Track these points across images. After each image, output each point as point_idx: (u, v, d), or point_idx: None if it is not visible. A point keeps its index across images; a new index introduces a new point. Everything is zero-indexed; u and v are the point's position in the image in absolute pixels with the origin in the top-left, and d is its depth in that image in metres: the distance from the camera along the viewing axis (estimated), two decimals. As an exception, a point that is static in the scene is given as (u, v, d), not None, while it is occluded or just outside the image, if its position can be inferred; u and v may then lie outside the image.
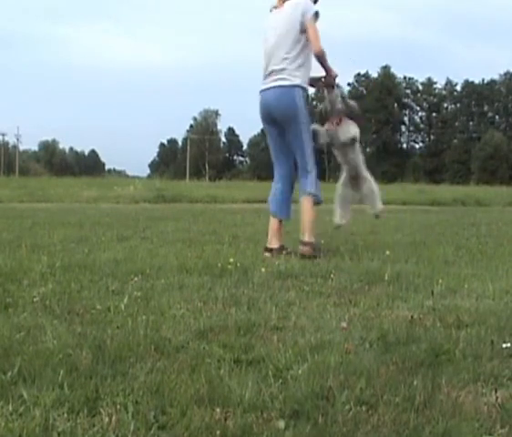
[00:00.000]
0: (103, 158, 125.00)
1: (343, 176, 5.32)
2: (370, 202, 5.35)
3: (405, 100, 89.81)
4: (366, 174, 5.29)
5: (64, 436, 1.59)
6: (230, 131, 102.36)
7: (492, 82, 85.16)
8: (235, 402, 1.78)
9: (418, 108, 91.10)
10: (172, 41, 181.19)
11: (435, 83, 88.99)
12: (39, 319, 2.68)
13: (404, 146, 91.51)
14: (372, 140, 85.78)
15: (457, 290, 3.54)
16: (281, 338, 2.48)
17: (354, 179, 5.26)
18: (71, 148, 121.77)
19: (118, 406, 1.73)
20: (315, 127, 5.10)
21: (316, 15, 4.84)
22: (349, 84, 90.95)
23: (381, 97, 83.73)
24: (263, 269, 4.02)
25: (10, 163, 79.13)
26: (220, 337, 2.47)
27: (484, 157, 74.44)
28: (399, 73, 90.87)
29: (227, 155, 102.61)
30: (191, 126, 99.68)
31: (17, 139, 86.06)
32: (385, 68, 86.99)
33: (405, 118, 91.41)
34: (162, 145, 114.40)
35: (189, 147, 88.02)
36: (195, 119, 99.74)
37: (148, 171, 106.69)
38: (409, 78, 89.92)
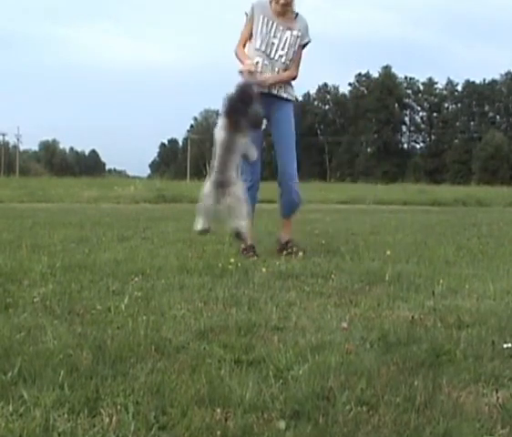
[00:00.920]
0: (103, 158, 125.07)
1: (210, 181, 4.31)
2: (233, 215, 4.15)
3: (406, 100, 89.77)
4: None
5: (64, 436, 1.59)
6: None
7: (493, 82, 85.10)
8: (236, 403, 1.78)
9: (419, 108, 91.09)
10: (173, 41, 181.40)
11: (436, 83, 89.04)
12: (39, 319, 2.67)
13: (405, 146, 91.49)
14: (372, 140, 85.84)
15: (458, 291, 3.54)
16: (281, 338, 2.48)
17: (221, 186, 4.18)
18: (71, 148, 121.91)
19: (119, 406, 1.73)
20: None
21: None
22: (350, 84, 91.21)
23: (382, 97, 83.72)
24: (264, 270, 4.02)
25: (10, 163, 79.10)
26: (220, 337, 2.47)
27: (485, 158, 74.39)
28: (400, 73, 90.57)
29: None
30: (192, 126, 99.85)
31: (18, 139, 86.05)
32: (386, 68, 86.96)
33: (406, 118, 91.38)
34: (163, 145, 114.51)
35: (189, 148, 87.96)
36: (195, 119, 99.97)
37: (148, 171, 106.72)
38: (410, 78, 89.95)
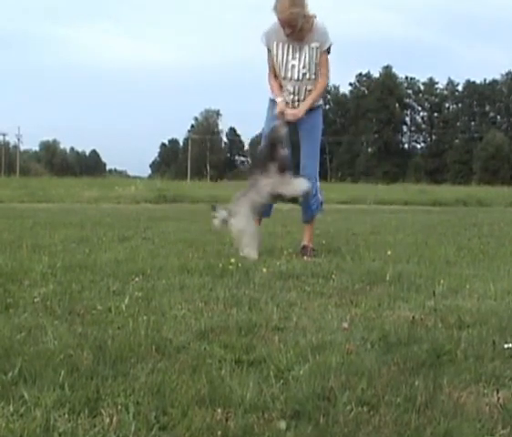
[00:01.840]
0: (104, 159, 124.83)
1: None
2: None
3: (407, 100, 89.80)
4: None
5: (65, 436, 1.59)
6: (232, 131, 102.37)
7: (494, 82, 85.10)
8: (236, 403, 1.78)
9: (420, 108, 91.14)
10: (173, 41, 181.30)
11: (437, 83, 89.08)
12: (40, 319, 2.67)
13: (406, 146, 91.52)
14: (373, 140, 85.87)
15: (459, 291, 3.54)
16: (282, 338, 2.48)
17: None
18: (72, 148, 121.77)
19: (119, 407, 1.73)
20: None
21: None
22: (350, 84, 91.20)
23: (382, 97, 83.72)
24: (264, 270, 4.02)
25: (11, 163, 79.11)
26: (221, 337, 2.47)
27: (485, 158, 74.39)
28: (401, 73, 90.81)
29: (228, 155, 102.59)
30: (192, 126, 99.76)
31: (18, 139, 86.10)
32: (387, 68, 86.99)
33: (407, 118, 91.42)
34: (163, 145, 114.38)
35: (190, 148, 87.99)
36: (196, 119, 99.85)
37: (149, 171, 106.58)
38: (411, 78, 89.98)
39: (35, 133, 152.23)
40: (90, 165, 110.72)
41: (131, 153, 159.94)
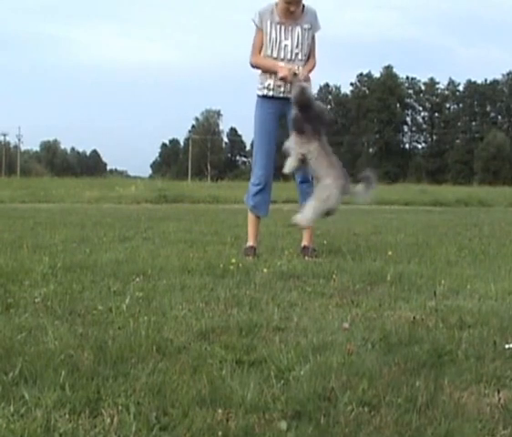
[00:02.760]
0: (105, 159, 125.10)
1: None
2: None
3: (408, 100, 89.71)
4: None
5: (65, 437, 1.59)
6: (233, 131, 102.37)
7: (494, 82, 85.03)
8: (237, 403, 1.78)
9: (421, 108, 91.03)
10: (174, 41, 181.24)
11: (438, 83, 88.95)
12: (41, 319, 2.68)
13: (407, 146, 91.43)
14: (374, 140, 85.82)
15: (460, 291, 3.53)
16: (283, 338, 2.48)
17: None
18: (73, 149, 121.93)
19: (120, 407, 1.73)
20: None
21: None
22: (351, 84, 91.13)
23: (383, 97, 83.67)
24: (265, 270, 4.02)
25: (11, 163, 79.23)
26: (221, 338, 2.47)
27: (486, 158, 74.33)
28: (401, 73, 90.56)
29: (229, 155, 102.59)
30: (193, 126, 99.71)
31: (19, 140, 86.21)
32: (388, 68, 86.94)
33: (408, 118, 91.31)
34: (164, 145, 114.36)
35: (190, 148, 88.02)
36: (197, 119, 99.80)
37: (149, 171, 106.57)
38: (411, 78, 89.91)
39: (35, 133, 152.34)
40: (91, 165, 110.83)
41: (132, 153, 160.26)
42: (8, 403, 1.74)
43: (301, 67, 4.96)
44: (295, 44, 4.96)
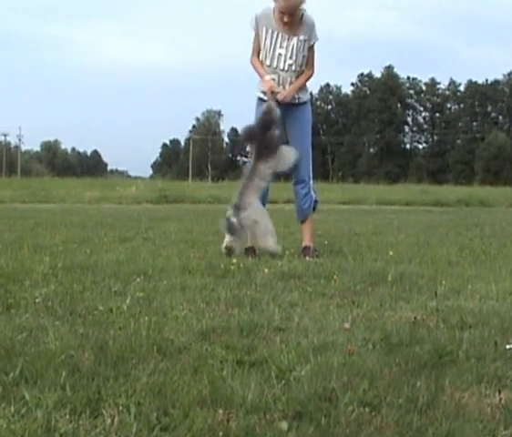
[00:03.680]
0: (105, 159, 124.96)
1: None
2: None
3: (409, 100, 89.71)
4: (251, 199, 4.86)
5: (66, 437, 1.59)
6: (233, 131, 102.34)
7: (495, 82, 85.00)
8: (238, 404, 1.77)
9: (421, 109, 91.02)
10: (174, 41, 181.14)
11: (439, 83, 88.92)
12: (41, 320, 2.67)
13: (408, 146, 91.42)
14: (375, 140, 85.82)
15: (461, 291, 3.53)
16: (283, 339, 2.48)
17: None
18: (73, 149, 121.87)
19: (121, 407, 1.73)
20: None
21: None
22: (352, 84, 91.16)
23: (384, 98, 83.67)
24: (266, 270, 4.02)
25: (12, 163, 79.22)
26: (222, 338, 2.47)
27: (487, 158, 74.28)
28: (402, 73, 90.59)
29: (230, 155, 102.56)
30: (194, 126, 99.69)
31: (19, 140, 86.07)
32: (389, 68, 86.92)
33: (409, 119, 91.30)
34: (165, 145, 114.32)
35: (191, 148, 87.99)
36: (198, 120, 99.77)
37: (150, 172, 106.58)
38: (412, 78, 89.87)
39: (36, 133, 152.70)
40: (91, 165, 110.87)
41: (132, 153, 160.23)
42: (9, 404, 1.74)
43: (287, 86, 4.92)
44: (289, 54, 4.89)
